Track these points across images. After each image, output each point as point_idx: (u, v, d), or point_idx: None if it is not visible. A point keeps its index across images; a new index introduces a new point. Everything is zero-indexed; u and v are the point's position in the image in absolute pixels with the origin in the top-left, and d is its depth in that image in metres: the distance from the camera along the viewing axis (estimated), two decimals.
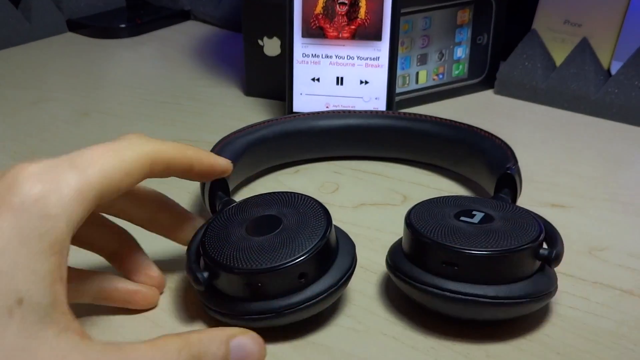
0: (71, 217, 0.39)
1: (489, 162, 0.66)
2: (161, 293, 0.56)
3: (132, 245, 0.55)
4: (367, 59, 0.81)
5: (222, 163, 0.54)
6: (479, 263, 0.49)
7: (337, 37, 0.81)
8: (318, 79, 0.83)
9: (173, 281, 0.58)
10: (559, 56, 0.95)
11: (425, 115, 0.75)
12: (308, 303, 0.50)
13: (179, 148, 0.49)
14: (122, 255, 0.55)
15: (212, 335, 0.42)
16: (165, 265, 0.60)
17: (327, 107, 0.83)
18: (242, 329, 0.44)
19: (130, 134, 0.46)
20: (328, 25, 0.81)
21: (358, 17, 0.80)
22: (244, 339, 0.43)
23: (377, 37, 0.81)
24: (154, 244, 0.58)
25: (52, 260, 0.38)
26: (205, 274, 0.51)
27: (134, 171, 0.44)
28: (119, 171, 0.43)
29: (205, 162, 0.52)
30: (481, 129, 0.71)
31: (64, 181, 0.39)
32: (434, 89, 0.94)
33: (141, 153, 0.45)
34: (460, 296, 0.49)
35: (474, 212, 0.54)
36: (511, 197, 0.61)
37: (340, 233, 0.55)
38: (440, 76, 0.95)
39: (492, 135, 0.69)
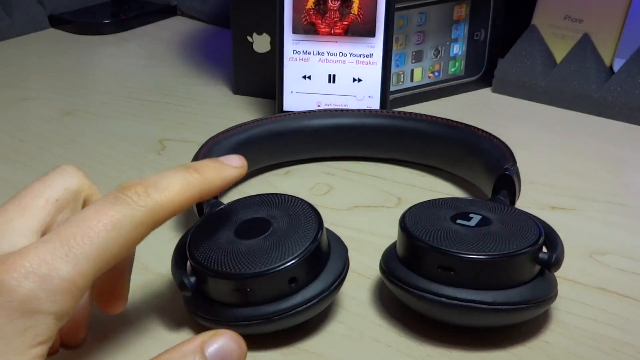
0: (61, 309, 0.39)
1: (487, 163, 0.66)
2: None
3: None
4: (360, 55, 0.81)
5: (233, 174, 0.50)
6: (476, 268, 0.49)
7: (329, 33, 0.81)
8: (309, 77, 0.83)
9: (158, 286, 0.58)
10: (559, 53, 0.95)
11: (421, 114, 0.75)
12: (298, 309, 0.50)
13: (184, 189, 0.46)
14: None
15: (184, 349, 0.41)
16: (150, 269, 0.60)
17: (318, 105, 0.83)
18: (214, 330, 0.43)
19: (131, 188, 0.43)
20: (320, 21, 0.81)
21: (351, 13, 0.80)
22: (219, 340, 0.42)
23: (371, 33, 0.81)
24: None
25: (33, 352, 0.38)
26: (192, 279, 0.51)
27: (132, 242, 0.43)
28: (115, 248, 0.41)
29: (216, 185, 0.48)
30: (478, 129, 0.71)
31: (55, 273, 0.39)
32: (430, 87, 0.94)
33: (141, 220, 0.43)
34: (456, 302, 0.49)
35: (471, 215, 0.54)
36: (509, 199, 0.61)
37: (332, 236, 0.55)
38: (436, 74, 0.95)
39: (489, 135, 0.69)
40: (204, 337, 0.42)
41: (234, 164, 0.50)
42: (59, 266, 0.39)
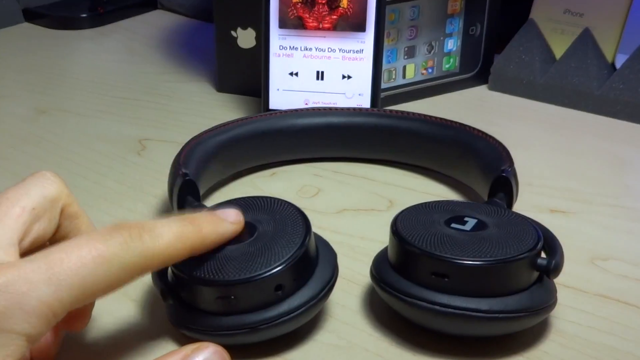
0: (34, 332, 0.39)
1: (483, 164, 0.66)
2: None
3: None
4: (349, 51, 0.81)
5: (229, 230, 0.50)
6: (471, 274, 0.49)
7: (317, 28, 0.81)
8: (296, 74, 0.82)
9: (138, 294, 0.58)
10: (559, 48, 0.95)
11: (413, 113, 0.75)
12: (285, 317, 0.50)
13: (178, 240, 0.46)
14: None
15: None
16: None
17: (306, 104, 0.83)
18: (198, 343, 0.43)
19: (126, 229, 0.43)
20: (307, 15, 0.81)
21: (340, 6, 0.80)
22: (203, 354, 0.42)
23: (361, 27, 0.81)
24: None
25: None
26: (174, 287, 0.51)
27: (116, 283, 0.42)
28: (99, 285, 0.41)
29: (211, 240, 0.49)
30: (474, 128, 0.71)
31: (34, 294, 0.38)
32: (423, 85, 0.95)
33: (131, 262, 0.42)
34: (451, 310, 0.49)
35: (465, 219, 0.54)
36: (506, 202, 0.61)
37: (321, 241, 0.55)
38: (430, 70, 0.95)
39: (485, 134, 0.69)
40: (187, 350, 0.42)
41: (230, 219, 0.51)
42: (39, 287, 0.39)
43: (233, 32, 0.92)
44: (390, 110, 0.77)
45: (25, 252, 0.42)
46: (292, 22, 0.81)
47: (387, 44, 0.89)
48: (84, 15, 1.24)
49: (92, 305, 0.51)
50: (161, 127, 0.87)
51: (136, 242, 0.43)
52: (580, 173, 0.77)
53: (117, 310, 0.56)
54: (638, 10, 0.92)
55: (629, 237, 0.66)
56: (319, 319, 0.55)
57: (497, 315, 0.49)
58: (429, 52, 0.94)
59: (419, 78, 0.94)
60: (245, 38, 0.92)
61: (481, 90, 0.98)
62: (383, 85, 0.89)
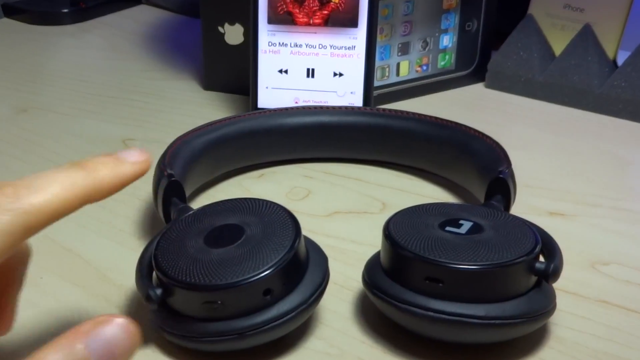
0: None
1: (479, 165, 0.66)
2: None
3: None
4: (341, 48, 0.81)
5: (130, 170, 0.46)
6: (466, 279, 0.49)
7: (307, 24, 0.81)
8: (286, 71, 0.82)
9: (121, 299, 0.58)
10: (559, 45, 0.95)
11: (407, 112, 0.75)
12: (274, 323, 0.50)
13: (65, 189, 0.42)
14: None
15: (60, 344, 0.37)
16: (111, 279, 0.59)
17: (296, 102, 0.83)
18: (102, 316, 0.40)
19: None
20: (297, 10, 0.81)
21: (331, 1, 0.80)
22: (105, 330, 0.39)
23: (353, 23, 0.81)
24: (102, 249, 0.57)
25: None
26: (159, 291, 0.50)
27: (1, 253, 0.39)
28: None
29: (108, 184, 0.44)
30: (470, 128, 0.71)
31: None
32: (417, 82, 0.95)
33: (8, 227, 0.39)
34: (445, 316, 0.49)
35: (461, 222, 0.54)
36: (504, 205, 0.61)
37: (311, 245, 0.55)
38: (424, 68, 0.95)
39: (482, 134, 0.69)
40: (86, 327, 0.38)
41: (132, 159, 0.46)
42: None
43: (220, 28, 0.92)
44: (384, 109, 0.77)
45: None
46: (282, 18, 0.81)
47: (380, 40, 0.89)
48: (65, 10, 1.24)
49: (13, 306, 0.48)
50: (145, 126, 0.87)
51: (12, 202, 0.39)
52: (580, 174, 0.77)
53: (98, 314, 0.56)
54: None
55: (631, 240, 0.66)
56: (308, 325, 0.55)
57: (493, 321, 0.49)
58: (424, 49, 0.94)
59: (414, 75, 0.94)
60: (233, 34, 0.92)
61: (478, 88, 0.98)
62: (376, 83, 0.89)
